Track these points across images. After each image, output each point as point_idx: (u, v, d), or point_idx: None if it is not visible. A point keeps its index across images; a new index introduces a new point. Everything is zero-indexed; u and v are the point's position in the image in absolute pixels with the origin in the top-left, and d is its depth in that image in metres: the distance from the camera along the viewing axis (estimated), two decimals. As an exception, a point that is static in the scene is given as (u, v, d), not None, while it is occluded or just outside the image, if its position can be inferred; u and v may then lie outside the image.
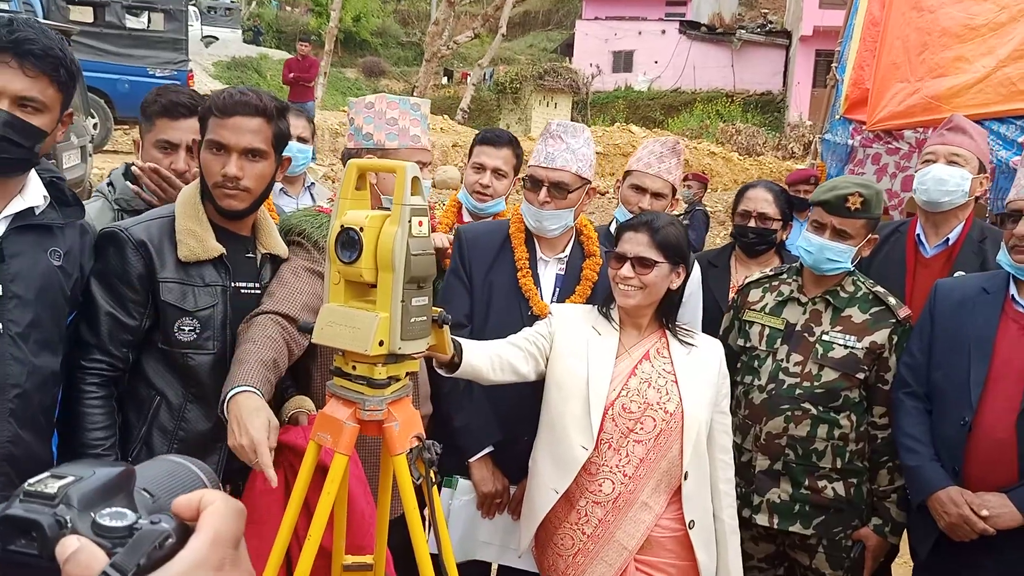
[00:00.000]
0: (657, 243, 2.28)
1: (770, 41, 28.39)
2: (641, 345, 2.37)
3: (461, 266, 2.57)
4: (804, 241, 2.65)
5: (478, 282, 2.55)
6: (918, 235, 3.05)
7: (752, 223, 3.27)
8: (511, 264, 2.56)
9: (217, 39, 27.07)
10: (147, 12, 12.35)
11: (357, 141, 2.33)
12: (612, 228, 3.13)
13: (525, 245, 2.59)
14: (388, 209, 1.72)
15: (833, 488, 2.59)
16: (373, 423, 1.74)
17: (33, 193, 1.89)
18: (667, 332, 2.40)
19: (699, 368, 2.36)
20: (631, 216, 2.74)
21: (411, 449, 1.76)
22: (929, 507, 2.47)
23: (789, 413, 2.58)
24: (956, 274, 2.85)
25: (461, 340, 2.15)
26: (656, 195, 2.98)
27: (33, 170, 1.90)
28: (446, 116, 18.32)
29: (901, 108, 6.40)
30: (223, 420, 1.84)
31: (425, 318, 1.73)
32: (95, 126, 10.18)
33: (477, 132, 3.42)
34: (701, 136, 19.42)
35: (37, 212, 1.89)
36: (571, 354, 2.34)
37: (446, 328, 1.85)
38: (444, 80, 29.32)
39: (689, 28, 29.07)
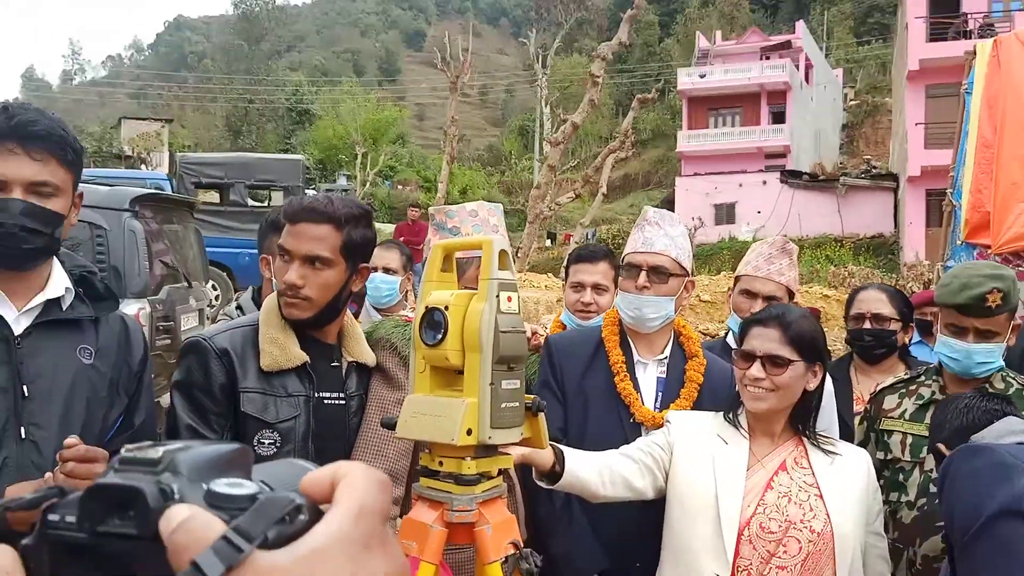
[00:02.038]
0: (790, 338, 2.03)
1: (876, 184, 28.03)
2: (776, 454, 2.09)
3: (552, 376, 2.39)
4: (945, 347, 2.38)
5: (571, 391, 2.36)
6: (1074, 326, 2.72)
7: (867, 325, 3.01)
8: (606, 369, 2.36)
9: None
10: (268, 191, 13.32)
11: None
12: (729, 339, 2.94)
13: (620, 348, 2.40)
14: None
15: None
16: (462, 526, 1.55)
17: (56, 285, 1.80)
18: (804, 440, 2.11)
19: (846, 480, 2.05)
20: None
21: (507, 557, 1.56)
22: None
23: None
24: None
25: (564, 448, 1.97)
26: (769, 299, 2.78)
27: (56, 261, 1.84)
28: (550, 274, 18.58)
29: (1028, 228, 6.06)
30: None
31: (517, 404, 1.57)
32: (216, 298, 10.76)
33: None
34: (812, 281, 18.90)
35: (64, 307, 1.81)
36: (695, 467, 2.08)
37: (542, 417, 1.67)
38: (547, 242, 30.03)
39: (791, 177, 29.11)
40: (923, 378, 2.52)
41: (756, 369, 2.04)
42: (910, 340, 3.14)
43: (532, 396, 1.65)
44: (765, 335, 2.07)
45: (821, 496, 2.01)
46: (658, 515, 2.16)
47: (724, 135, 33.75)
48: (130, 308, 5.23)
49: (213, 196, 12.97)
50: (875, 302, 3.05)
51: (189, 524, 0.42)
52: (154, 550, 0.42)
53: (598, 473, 2.00)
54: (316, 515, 0.46)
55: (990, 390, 2.34)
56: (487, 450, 1.56)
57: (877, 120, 38.90)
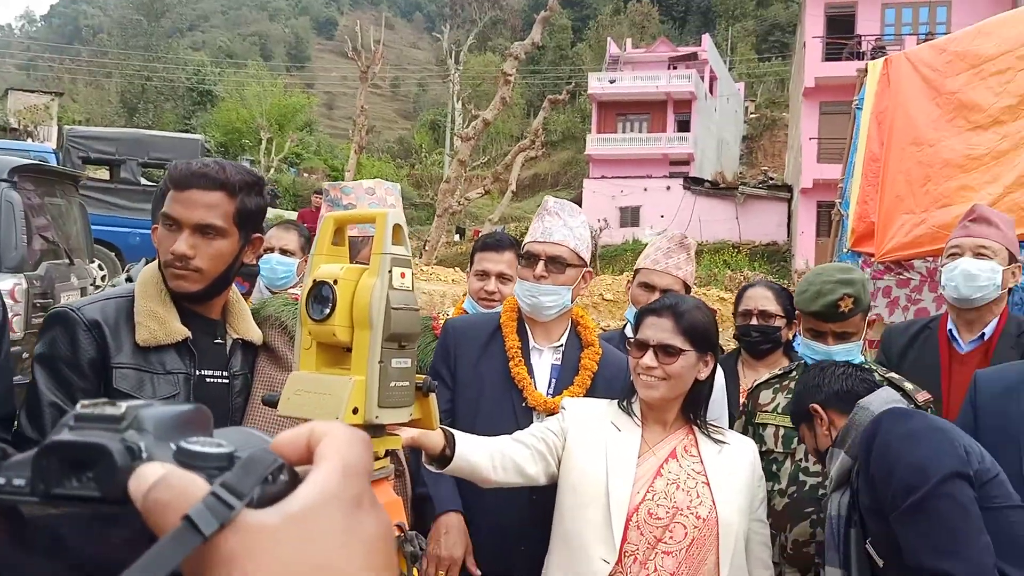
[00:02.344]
0: (683, 329, 2.07)
1: (772, 195, 29.11)
2: (667, 442, 2.12)
3: (444, 360, 2.38)
4: (807, 350, 2.52)
5: (466, 374, 2.35)
6: (950, 330, 2.87)
7: (754, 321, 3.11)
8: (502, 354, 2.37)
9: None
10: (163, 170, 12.80)
11: (363, 229, 2.21)
12: (627, 331, 2.97)
13: (517, 334, 2.40)
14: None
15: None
16: (346, 508, 1.50)
17: None
18: (695, 428, 2.16)
19: (732, 469, 2.11)
20: None
21: (390, 540, 1.51)
22: None
23: (815, 517, 2.33)
24: None
25: (455, 431, 1.93)
26: (666, 292, 2.82)
27: None
28: (457, 268, 18.54)
29: (908, 239, 6.37)
30: None
31: (407, 383, 1.52)
32: (103, 278, 10.28)
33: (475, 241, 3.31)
34: (710, 284, 19.52)
35: None
36: (587, 454, 2.09)
37: (432, 397, 1.63)
38: (456, 238, 29.95)
39: (693, 184, 29.92)
40: (794, 373, 2.62)
41: (649, 358, 2.07)
42: (794, 336, 3.25)
43: (423, 376, 1.60)
44: (658, 325, 2.10)
45: (708, 483, 2.05)
46: (545, 499, 2.15)
47: (631, 140, 34.41)
48: (5, 283, 4.92)
49: (104, 173, 12.37)
50: (761, 299, 3.15)
51: (170, 480, 0.39)
52: (114, 517, 0.38)
53: (489, 457, 1.97)
54: (293, 477, 0.44)
55: None
56: (374, 430, 1.50)
57: (775, 133, 40.42)
